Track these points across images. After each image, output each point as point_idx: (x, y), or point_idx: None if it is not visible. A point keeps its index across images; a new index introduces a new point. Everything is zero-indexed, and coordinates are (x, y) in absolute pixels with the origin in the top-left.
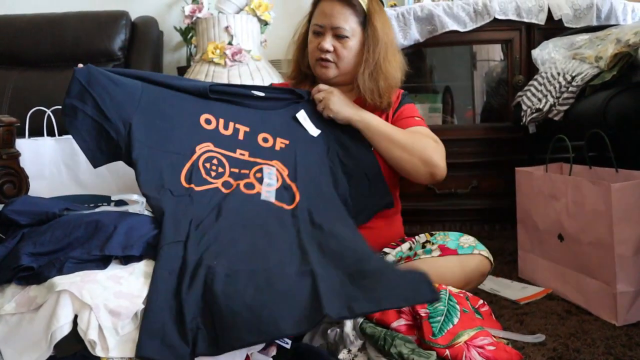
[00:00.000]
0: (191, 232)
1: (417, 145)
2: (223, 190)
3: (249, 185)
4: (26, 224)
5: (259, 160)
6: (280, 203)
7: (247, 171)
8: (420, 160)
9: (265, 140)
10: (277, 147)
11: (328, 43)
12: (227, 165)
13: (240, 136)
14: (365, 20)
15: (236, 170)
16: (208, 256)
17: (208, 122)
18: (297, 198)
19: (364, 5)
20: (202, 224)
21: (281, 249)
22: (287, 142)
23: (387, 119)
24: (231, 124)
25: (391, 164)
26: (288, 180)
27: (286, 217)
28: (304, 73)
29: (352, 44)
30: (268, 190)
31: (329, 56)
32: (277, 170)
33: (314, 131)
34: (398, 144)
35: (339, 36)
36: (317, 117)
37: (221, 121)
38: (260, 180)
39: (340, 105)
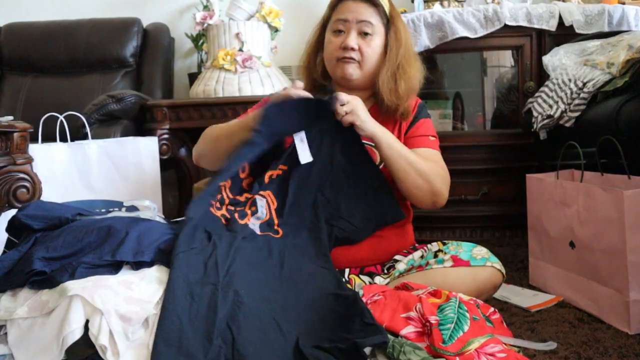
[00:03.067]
0: (214, 243)
1: (432, 174)
2: (224, 218)
3: (242, 214)
4: (39, 229)
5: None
6: (264, 233)
7: (241, 198)
8: (430, 189)
9: None
10: (274, 175)
11: (353, 40)
12: (228, 195)
13: None
14: (388, 23)
15: (234, 197)
16: (234, 280)
17: None
18: (280, 234)
19: (387, 9)
20: (221, 238)
21: (270, 290)
22: (285, 167)
23: (399, 129)
24: None
25: (400, 185)
26: (274, 215)
27: (274, 245)
28: (317, 84)
29: (375, 43)
30: (254, 223)
31: (353, 54)
32: (267, 202)
33: (305, 158)
34: (416, 169)
35: (364, 33)
36: (320, 134)
37: None
38: (254, 213)
39: (367, 116)
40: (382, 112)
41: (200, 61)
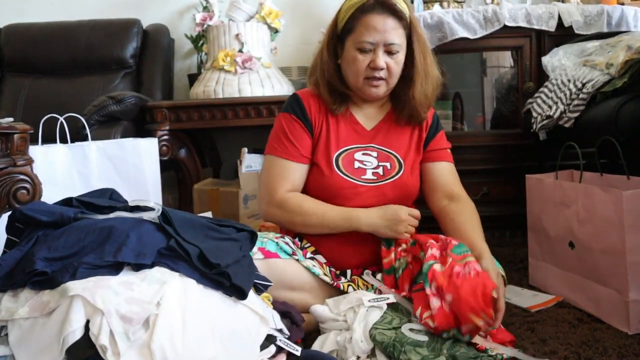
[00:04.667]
0: None
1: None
2: None
3: None
4: (46, 221)
5: None
6: None
7: None
8: None
9: None
10: None
11: (382, 60)
12: None
13: None
14: (410, 31)
15: None
16: None
17: None
18: None
19: (407, 16)
20: None
21: None
22: None
23: (419, 134)
24: None
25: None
26: None
27: None
28: (341, 94)
29: (401, 57)
30: None
31: (382, 74)
32: None
33: None
34: None
35: (390, 52)
36: None
37: None
38: None
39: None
40: (401, 117)
41: (200, 62)
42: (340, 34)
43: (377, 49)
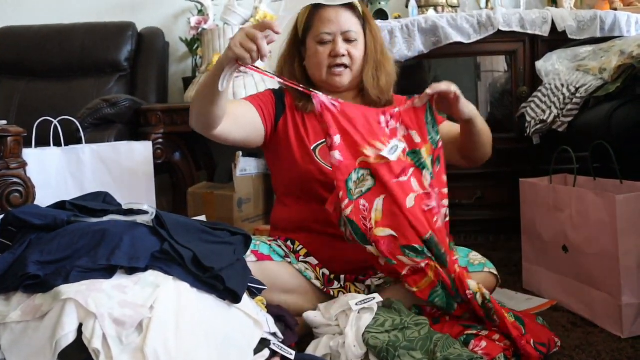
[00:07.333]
0: None
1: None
2: None
3: None
4: (39, 224)
5: None
6: None
7: None
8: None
9: None
10: None
11: (342, 48)
12: None
13: None
14: (364, 22)
15: None
16: None
17: None
18: None
19: (360, 9)
20: None
21: None
22: None
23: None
24: None
25: (475, 153)
26: None
27: None
28: (306, 94)
29: (360, 45)
30: None
31: (344, 60)
32: None
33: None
34: (489, 137)
35: (349, 40)
36: None
37: None
38: None
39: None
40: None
41: (195, 65)
42: (302, 36)
43: (336, 38)
